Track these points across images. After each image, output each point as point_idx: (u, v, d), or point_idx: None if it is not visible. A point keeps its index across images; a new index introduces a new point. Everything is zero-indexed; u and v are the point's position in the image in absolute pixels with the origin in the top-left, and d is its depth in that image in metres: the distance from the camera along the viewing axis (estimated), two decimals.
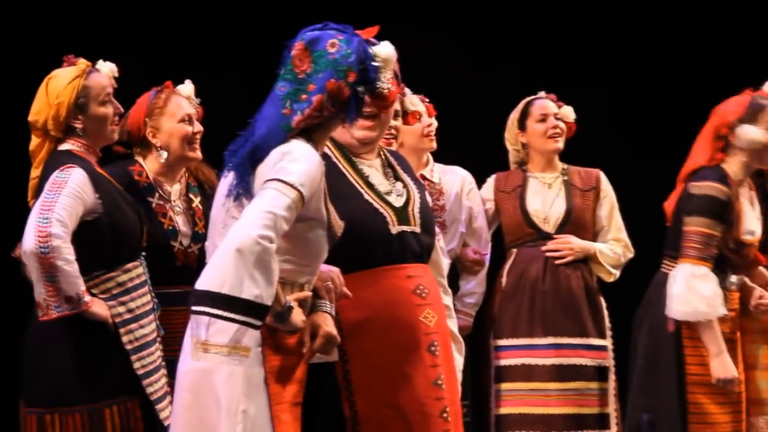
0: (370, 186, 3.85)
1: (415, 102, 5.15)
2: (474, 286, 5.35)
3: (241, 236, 3.05)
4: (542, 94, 5.45)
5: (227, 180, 3.35)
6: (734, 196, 4.65)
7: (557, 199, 5.32)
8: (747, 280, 4.80)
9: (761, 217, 4.77)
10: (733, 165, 4.70)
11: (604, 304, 5.26)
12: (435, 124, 5.32)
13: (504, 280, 5.35)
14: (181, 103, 4.68)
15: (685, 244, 4.62)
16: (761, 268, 4.84)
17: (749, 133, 4.65)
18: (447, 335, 3.93)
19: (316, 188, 3.26)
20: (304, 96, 3.30)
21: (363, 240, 3.75)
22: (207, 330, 3.08)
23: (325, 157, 3.79)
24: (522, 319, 5.24)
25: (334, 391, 3.73)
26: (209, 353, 3.09)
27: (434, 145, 5.33)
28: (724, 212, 4.62)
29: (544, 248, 5.27)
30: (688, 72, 5.40)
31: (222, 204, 3.36)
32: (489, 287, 5.41)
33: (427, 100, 5.39)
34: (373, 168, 3.90)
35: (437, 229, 4.06)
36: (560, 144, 5.36)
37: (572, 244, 5.24)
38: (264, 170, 3.23)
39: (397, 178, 3.93)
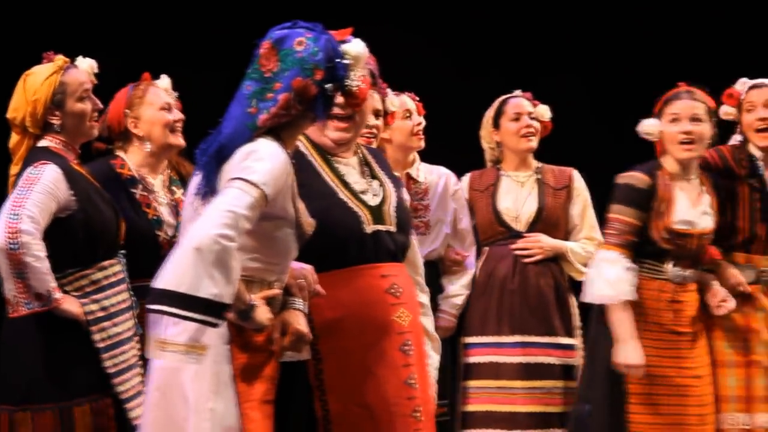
0: (346, 185, 3.83)
1: (395, 102, 5.13)
2: (460, 287, 5.32)
3: (200, 235, 3.03)
4: (518, 92, 5.42)
5: (196, 179, 3.33)
6: (661, 186, 4.68)
7: (529, 197, 5.30)
8: (715, 281, 4.79)
9: (736, 212, 4.78)
10: (669, 158, 4.74)
11: (574, 303, 5.24)
12: (423, 122, 5.30)
13: (476, 276, 5.33)
14: (159, 93, 4.69)
15: (604, 230, 4.76)
16: (732, 270, 4.79)
17: (647, 126, 4.74)
18: (421, 334, 3.91)
19: (281, 187, 3.24)
20: (270, 95, 3.27)
21: (337, 239, 3.73)
22: (165, 328, 3.06)
23: (300, 155, 3.81)
24: (490, 317, 5.23)
25: (306, 390, 3.69)
26: (166, 351, 3.07)
27: (422, 143, 5.32)
28: (641, 200, 4.66)
29: (513, 246, 5.24)
30: (675, 73, 5.37)
31: (191, 203, 3.34)
32: None
33: (417, 98, 5.37)
34: (349, 166, 3.88)
35: (412, 229, 4.04)
36: (533, 143, 5.34)
37: (542, 242, 5.22)
38: (229, 169, 3.21)
39: (374, 176, 3.92)
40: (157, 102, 4.66)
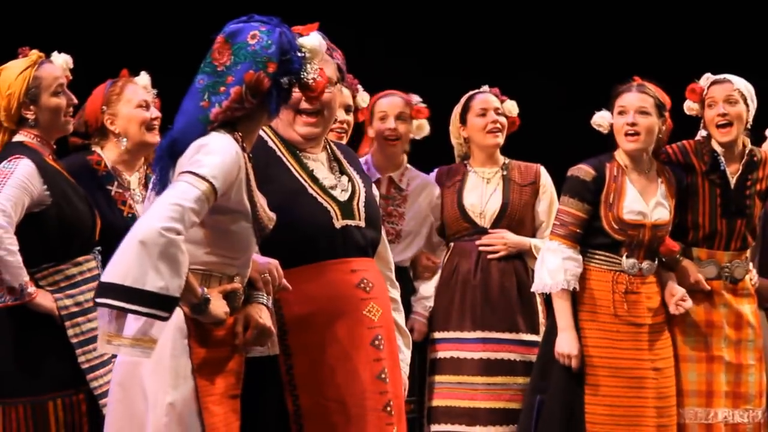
0: (315, 180, 3.82)
1: (365, 98, 5.13)
2: (433, 289, 5.32)
3: (144, 228, 3.03)
4: (485, 88, 5.40)
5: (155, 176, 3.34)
6: (609, 177, 4.74)
7: (494, 194, 5.29)
8: (672, 280, 4.82)
9: (697, 205, 4.80)
10: (621, 150, 4.80)
11: (538, 300, 5.22)
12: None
13: (440, 272, 5.34)
14: (137, 90, 4.69)
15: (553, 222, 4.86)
16: (692, 267, 4.81)
17: (598, 117, 4.84)
18: (392, 329, 3.91)
19: (232, 181, 3.22)
20: (222, 88, 3.25)
21: (307, 234, 3.73)
22: (111, 322, 3.06)
23: (269, 151, 3.81)
24: (453, 313, 5.23)
25: (277, 385, 3.70)
26: (112, 344, 3.06)
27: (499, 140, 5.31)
28: (585, 192, 4.74)
29: (477, 242, 5.24)
30: (641, 68, 5.39)
31: (148, 198, 3.35)
32: None
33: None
34: (318, 162, 3.88)
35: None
36: (500, 139, 5.32)
37: (506, 239, 5.21)
38: (181, 163, 3.21)
39: (343, 171, 3.91)
40: (134, 99, 4.66)
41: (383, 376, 3.79)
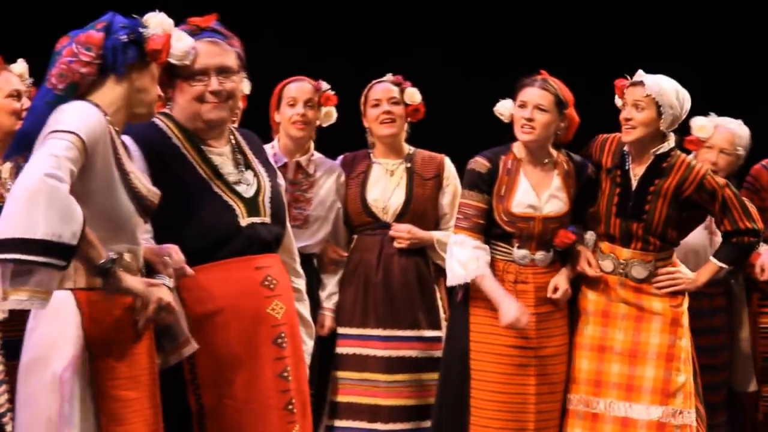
0: (219, 176, 3.78)
1: (247, 86, 5.12)
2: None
3: (26, 179, 2.97)
4: (388, 76, 5.35)
5: None
6: (502, 169, 4.82)
7: (397, 188, 5.28)
8: (565, 271, 4.88)
9: (609, 199, 4.84)
10: (518, 144, 4.89)
11: (439, 295, 5.26)
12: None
13: (346, 265, 5.33)
14: (10, 79, 4.54)
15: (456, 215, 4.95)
16: (583, 254, 4.85)
17: (501, 106, 4.91)
18: (295, 326, 3.91)
19: (97, 137, 3.17)
20: (57, 57, 3.28)
21: (211, 233, 3.69)
22: (7, 279, 2.96)
23: (172, 146, 3.76)
24: (356, 309, 5.22)
25: (179, 384, 3.66)
26: (9, 300, 2.97)
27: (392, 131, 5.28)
28: (481, 184, 4.82)
29: (385, 235, 5.24)
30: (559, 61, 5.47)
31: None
32: None
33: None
34: (222, 156, 3.83)
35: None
36: (393, 129, 5.26)
37: (411, 232, 5.22)
38: (42, 134, 3.16)
39: (248, 165, 3.87)
40: (5, 88, 4.51)
41: (285, 374, 3.78)
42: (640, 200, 4.77)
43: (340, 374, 5.21)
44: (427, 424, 5.10)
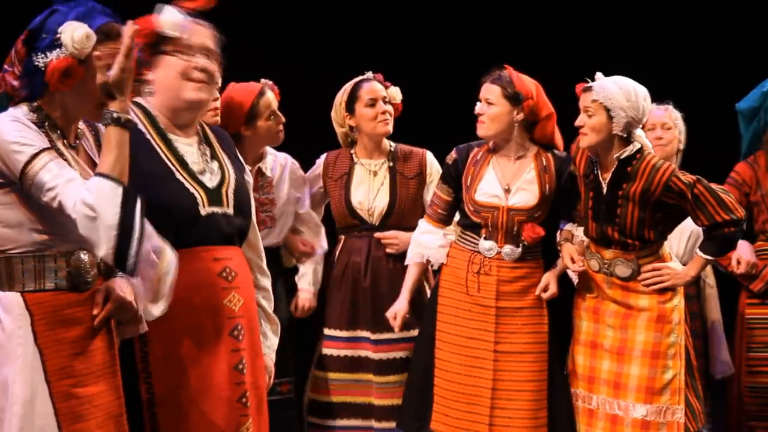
0: (184, 165, 3.74)
1: (398, 93, 5.27)
2: (311, 264, 5.35)
3: None
4: (369, 74, 5.35)
5: None
6: (470, 161, 4.91)
7: (381, 189, 5.28)
8: (555, 271, 4.89)
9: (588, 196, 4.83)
10: None
11: (428, 291, 5.24)
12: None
13: (332, 266, 5.35)
14: None
15: None
16: (568, 251, 4.84)
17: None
18: (254, 319, 3.87)
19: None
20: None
21: (171, 220, 3.65)
22: None
23: (138, 133, 3.71)
24: (345, 312, 5.23)
25: (131, 372, 3.62)
26: None
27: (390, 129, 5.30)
28: (447, 175, 5.00)
29: (376, 235, 5.23)
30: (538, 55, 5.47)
31: None
32: (324, 269, 5.40)
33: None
34: (188, 146, 3.79)
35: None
36: (390, 127, 5.31)
37: (398, 239, 5.22)
38: None
39: (214, 156, 3.84)
40: None
41: (240, 366, 3.75)
42: (611, 205, 4.74)
43: (331, 375, 5.21)
44: None
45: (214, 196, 3.76)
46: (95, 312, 3.27)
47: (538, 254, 4.94)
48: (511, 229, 4.83)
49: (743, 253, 5.45)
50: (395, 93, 5.34)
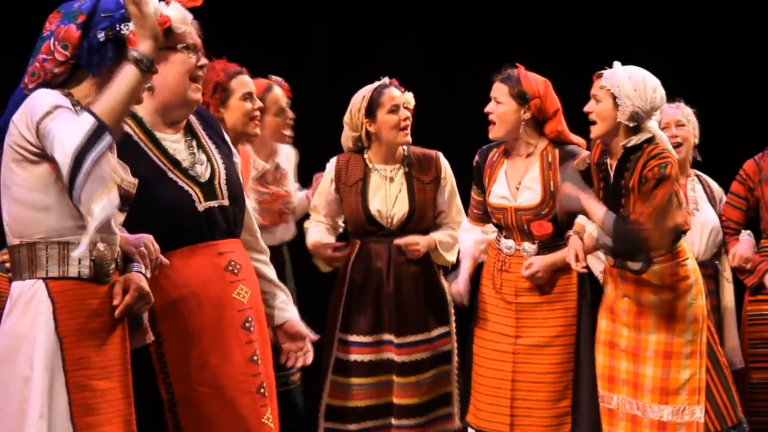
0: (175, 163, 3.74)
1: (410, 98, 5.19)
2: None
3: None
4: (386, 80, 5.25)
5: None
6: (488, 163, 5.01)
7: (399, 196, 5.20)
8: (551, 257, 4.89)
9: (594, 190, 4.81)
10: None
11: (446, 288, 5.23)
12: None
13: (350, 271, 5.24)
14: None
15: None
16: (574, 243, 4.77)
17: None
18: (261, 309, 3.89)
19: None
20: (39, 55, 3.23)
21: (171, 220, 3.66)
22: None
23: (126, 136, 3.69)
24: (369, 318, 5.16)
25: (148, 374, 3.64)
26: None
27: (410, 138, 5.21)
28: (475, 176, 5.10)
29: (396, 242, 5.19)
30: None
31: None
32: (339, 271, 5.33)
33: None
34: (176, 143, 3.78)
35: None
36: (410, 138, 5.22)
37: (420, 245, 5.19)
38: (15, 132, 3.15)
39: (200, 146, 3.82)
40: None
41: (255, 358, 3.76)
42: (615, 194, 4.70)
43: (356, 380, 5.19)
44: (434, 415, 5.22)
45: (208, 190, 3.75)
46: (116, 302, 3.26)
47: (555, 249, 4.93)
48: (522, 228, 4.91)
49: (740, 248, 5.44)
50: (410, 98, 5.26)
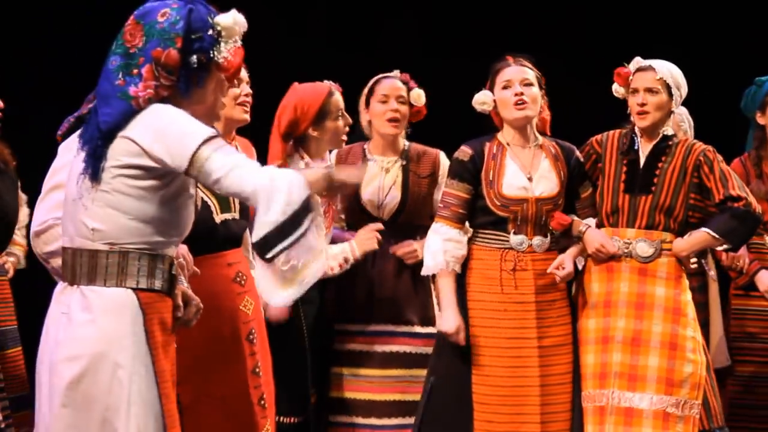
0: None
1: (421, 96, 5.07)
2: None
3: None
4: (396, 72, 5.18)
5: (79, 158, 3.16)
6: (488, 156, 4.79)
7: (393, 187, 5.19)
8: (569, 252, 4.80)
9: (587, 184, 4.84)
10: (506, 127, 4.86)
11: (434, 293, 5.13)
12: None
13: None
14: None
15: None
16: (593, 233, 4.78)
17: (480, 97, 4.85)
18: (262, 320, 3.94)
19: None
20: (135, 71, 3.15)
21: (192, 230, 3.61)
22: None
23: None
24: (355, 307, 5.13)
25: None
26: None
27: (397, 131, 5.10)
28: (464, 173, 4.79)
29: (392, 250, 5.18)
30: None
31: (76, 182, 3.16)
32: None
33: None
34: None
35: None
36: (397, 130, 5.12)
37: (417, 251, 5.13)
38: (143, 142, 3.08)
39: None
40: None
41: (257, 370, 3.82)
42: (648, 176, 4.78)
43: (338, 371, 5.07)
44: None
45: (224, 202, 3.80)
46: (181, 315, 3.23)
47: (556, 244, 4.86)
48: (539, 220, 4.76)
49: None
50: (418, 95, 5.15)
